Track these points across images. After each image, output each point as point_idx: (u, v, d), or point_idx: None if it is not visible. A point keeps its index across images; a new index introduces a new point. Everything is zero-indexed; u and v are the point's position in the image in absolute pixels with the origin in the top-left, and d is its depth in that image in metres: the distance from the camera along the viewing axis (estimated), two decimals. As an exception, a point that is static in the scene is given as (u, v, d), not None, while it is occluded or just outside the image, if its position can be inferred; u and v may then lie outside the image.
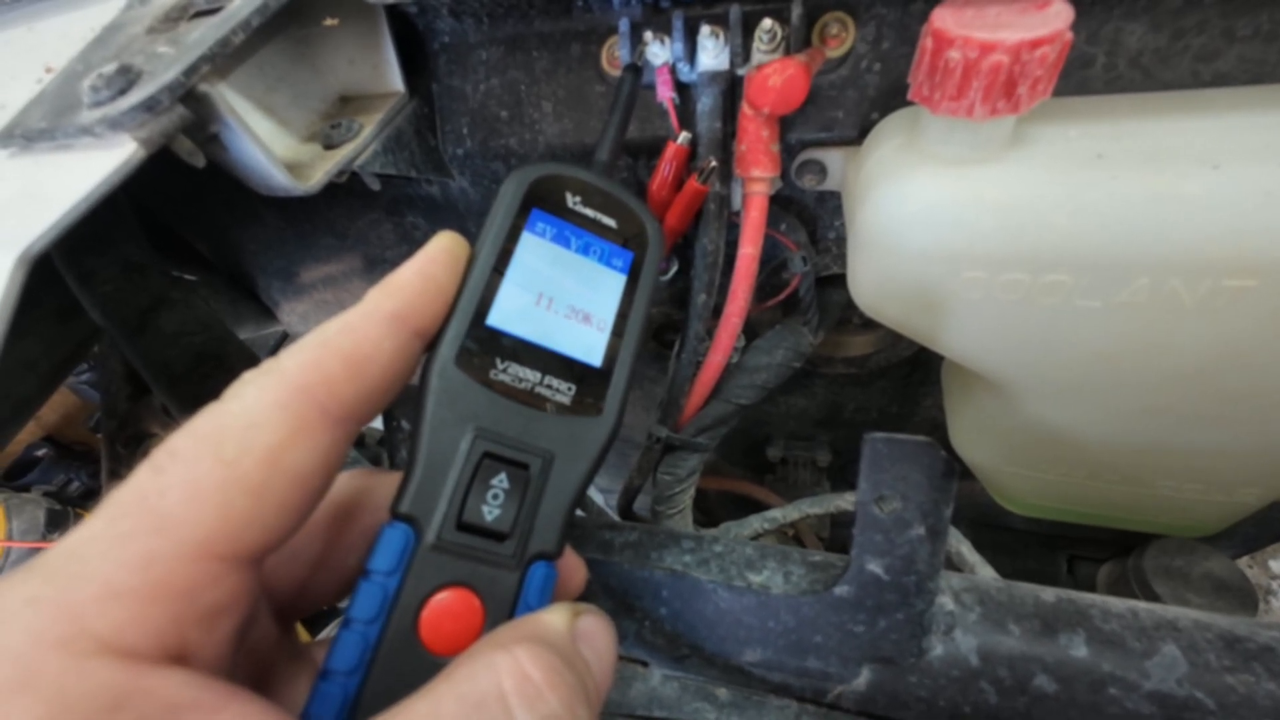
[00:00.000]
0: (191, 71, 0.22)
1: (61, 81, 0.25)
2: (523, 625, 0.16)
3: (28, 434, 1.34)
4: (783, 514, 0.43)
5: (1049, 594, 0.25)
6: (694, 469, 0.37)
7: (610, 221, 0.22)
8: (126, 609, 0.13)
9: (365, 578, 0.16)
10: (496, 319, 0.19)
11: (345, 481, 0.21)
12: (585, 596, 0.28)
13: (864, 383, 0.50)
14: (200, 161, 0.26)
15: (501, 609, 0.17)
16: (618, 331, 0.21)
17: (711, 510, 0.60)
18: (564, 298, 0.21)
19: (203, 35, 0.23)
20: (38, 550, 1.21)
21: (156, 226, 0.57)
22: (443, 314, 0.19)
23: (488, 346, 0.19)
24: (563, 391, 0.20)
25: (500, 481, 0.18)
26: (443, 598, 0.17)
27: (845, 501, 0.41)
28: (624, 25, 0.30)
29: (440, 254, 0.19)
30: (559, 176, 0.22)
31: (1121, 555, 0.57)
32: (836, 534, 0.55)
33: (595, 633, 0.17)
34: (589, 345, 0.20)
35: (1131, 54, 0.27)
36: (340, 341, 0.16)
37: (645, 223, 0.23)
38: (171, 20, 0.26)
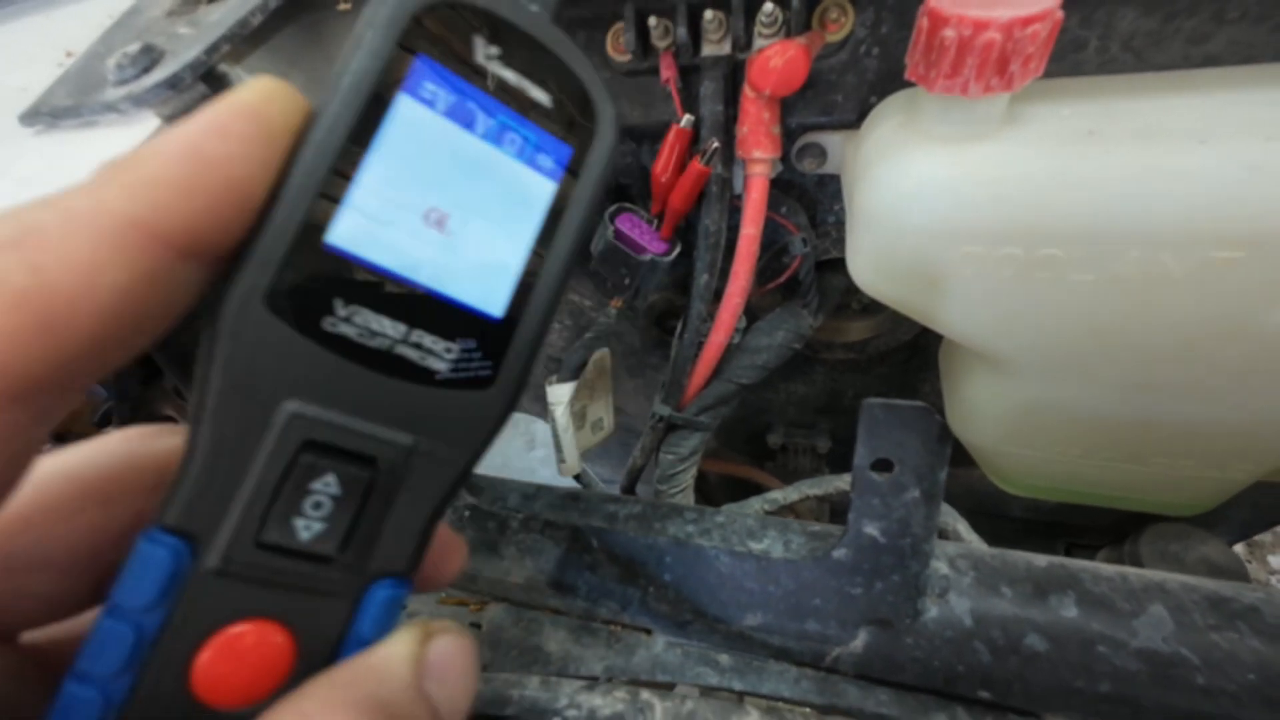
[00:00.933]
0: (212, 50, 0.23)
1: (84, 62, 0.26)
2: (345, 672, 0.12)
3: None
4: (783, 495, 0.44)
5: (1041, 560, 0.25)
6: (696, 448, 0.38)
7: (542, 96, 0.14)
8: None
9: (108, 615, 0.12)
10: (341, 236, 0.12)
11: (111, 449, 0.14)
12: (591, 564, 0.29)
13: (863, 368, 0.51)
14: (218, 140, 0.27)
15: (321, 645, 0.13)
16: (532, 268, 0.14)
17: (712, 494, 0.60)
18: (456, 209, 0.13)
19: (222, 16, 0.24)
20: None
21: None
22: (239, 222, 0.11)
23: (323, 279, 0.12)
24: (437, 353, 0.13)
25: (325, 485, 0.13)
26: (230, 634, 0.12)
27: (844, 482, 0.42)
28: (628, 11, 0.31)
29: (248, 113, 0.11)
30: (467, 5, 0.13)
31: (1118, 542, 0.58)
32: (835, 520, 0.56)
33: (448, 662, 0.13)
34: (487, 285, 0.14)
35: (1124, 37, 0.27)
36: (18, 278, 0.10)
37: (596, 101, 0.14)
38: (190, 3, 0.27)
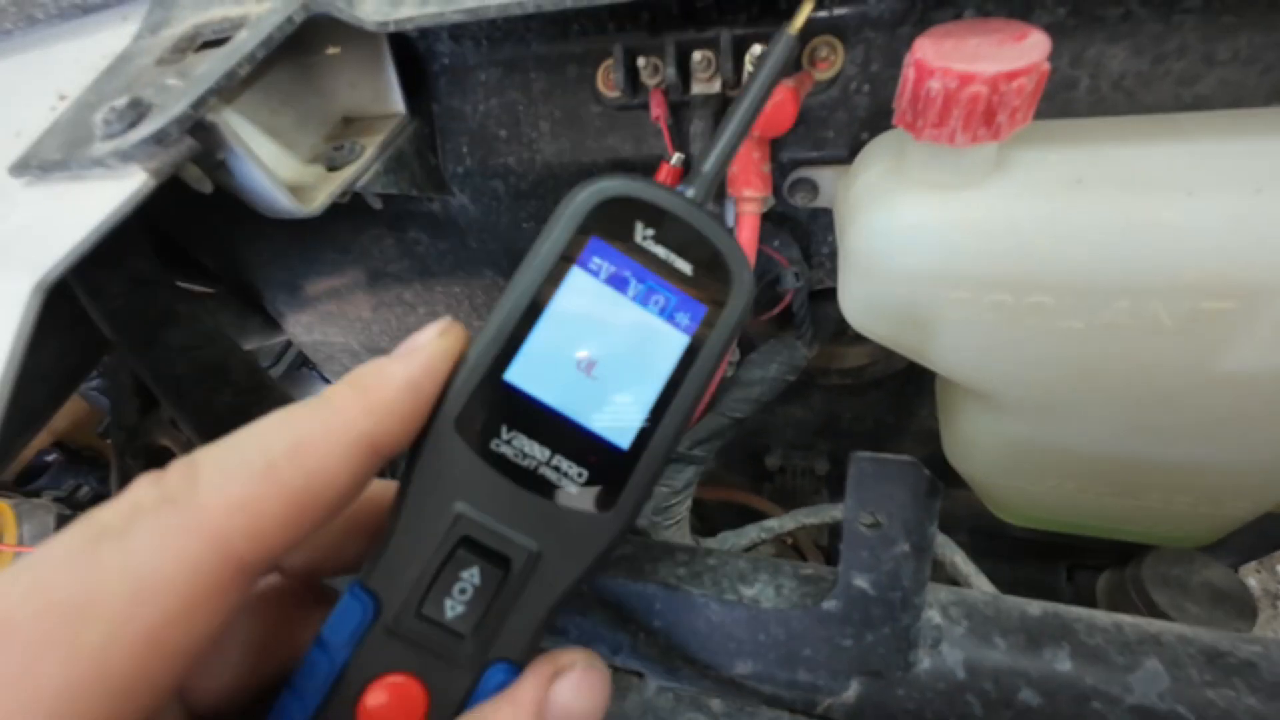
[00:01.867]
0: (199, 104, 0.23)
1: (75, 112, 0.26)
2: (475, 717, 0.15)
3: (38, 439, 1.36)
4: (779, 524, 0.44)
5: (1035, 607, 0.25)
6: (690, 481, 0.38)
7: (685, 266, 0.17)
8: None
9: (317, 644, 0.15)
10: (517, 375, 0.16)
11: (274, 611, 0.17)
12: (582, 609, 0.28)
13: (860, 393, 0.50)
14: (208, 188, 0.27)
15: (448, 706, 0.16)
16: (659, 409, 0.17)
17: (710, 519, 0.60)
18: (606, 359, 0.16)
19: (210, 68, 0.24)
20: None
21: (165, 240, 0.58)
22: (419, 431, 0.15)
23: (497, 408, 0.16)
24: (572, 476, 0.16)
25: (471, 576, 0.16)
26: (389, 682, 0.15)
27: (840, 512, 0.41)
28: (618, 50, 0.31)
29: (440, 361, 0.15)
30: (634, 200, 0.17)
31: (1121, 564, 0.57)
32: (835, 542, 0.55)
33: (575, 702, 0.15)
34: (620, 422, 0.17)
35: (1114, 77, 0.27)
36: (290, 474, 0.13)
37: (732, 271, 0.17)
38: (180, 51, 0.27)
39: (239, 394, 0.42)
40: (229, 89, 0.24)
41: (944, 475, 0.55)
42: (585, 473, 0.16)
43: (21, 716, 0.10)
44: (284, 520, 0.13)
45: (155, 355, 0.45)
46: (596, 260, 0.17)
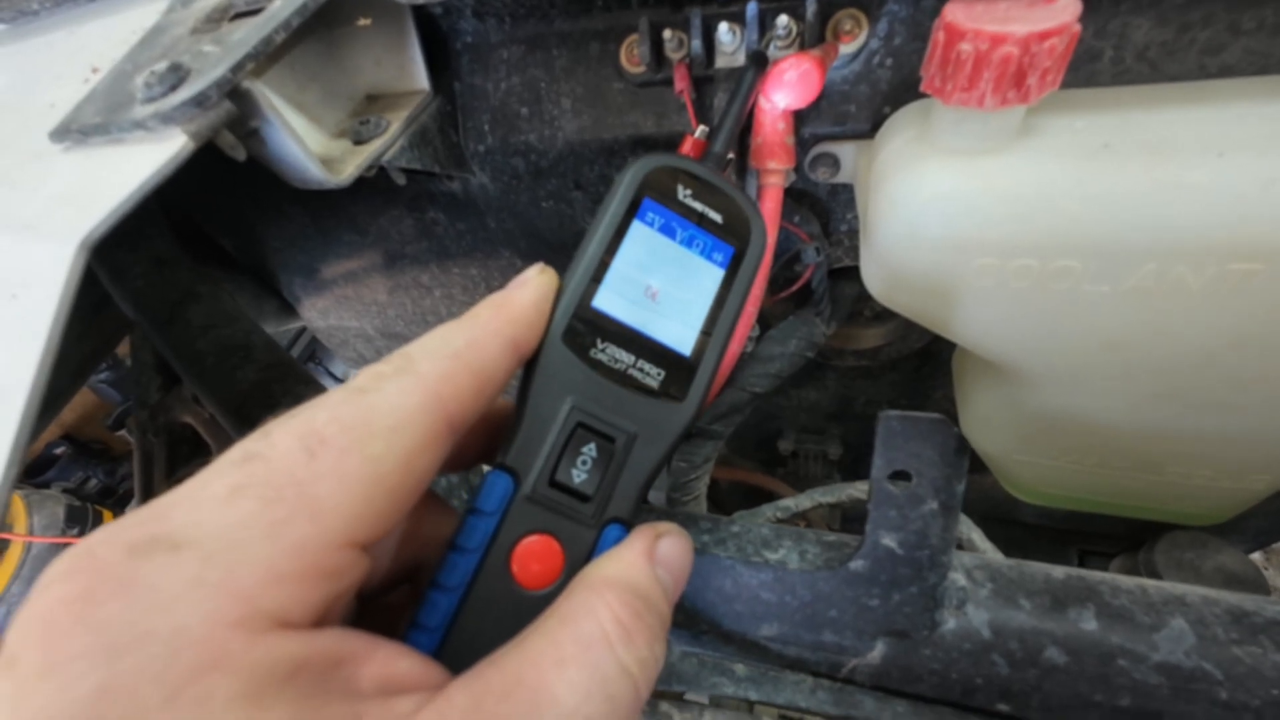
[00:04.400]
0: (238, 68, 0.23)
1: (112, 80, 0.27)
2: (609, 564, 0.18)
3: (48, 432, 1.37)
4: (795, 503, 0.44)
5: (1059, 571, 0.25)
6: (709, 455, 0.38)
7: (717, 216, 0.23)
8: (288, 590, 0.14)
9: (472, 513, 0.19)
10: (601, 302, 0.21)
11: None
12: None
13: (875, 375, 0.51)
14: (241, 155, 0.27)
15: (579, 559, 0.19)
16: (710, 324, 0.22)
17: (723, 502, 0.60)
18: (665, 287, 0.22)
19: (246, 35, 0.24)
20: (60, 546, 1.24)
21: (182, 224, 0.59)
22: (539, 340, 0.20)
23: (591, 327, 0.21)
24: (652, 375, 0.21)
25: (589, 450, 0.20)
26: (531, 540, 0.19)
27: (857, 490, 0.42)
28: (644, 24, 0.31)
29: (548, 289, 0.20)
30: (674, 169, 0.22)
31: (1133, 549, 0.57)
32: (848, 527, 0.55)
33: (672, 555, 0.19)
34: (681, 335, 0.22)
35: (1139, 48, 0.27)
36: (470, 357, 0.18)
37: (750, 219, 0.23)
38: (213, 21, 0.27)
39: (261, 370, 0.42)
40: (264, 55, 0.24)
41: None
42: (662, 372, 0.21)
43: (339, 494, 0.15)
44: (473, 390, 0.17)
45: (177, 333, 0.46)
46: (651, 214, 0.22)
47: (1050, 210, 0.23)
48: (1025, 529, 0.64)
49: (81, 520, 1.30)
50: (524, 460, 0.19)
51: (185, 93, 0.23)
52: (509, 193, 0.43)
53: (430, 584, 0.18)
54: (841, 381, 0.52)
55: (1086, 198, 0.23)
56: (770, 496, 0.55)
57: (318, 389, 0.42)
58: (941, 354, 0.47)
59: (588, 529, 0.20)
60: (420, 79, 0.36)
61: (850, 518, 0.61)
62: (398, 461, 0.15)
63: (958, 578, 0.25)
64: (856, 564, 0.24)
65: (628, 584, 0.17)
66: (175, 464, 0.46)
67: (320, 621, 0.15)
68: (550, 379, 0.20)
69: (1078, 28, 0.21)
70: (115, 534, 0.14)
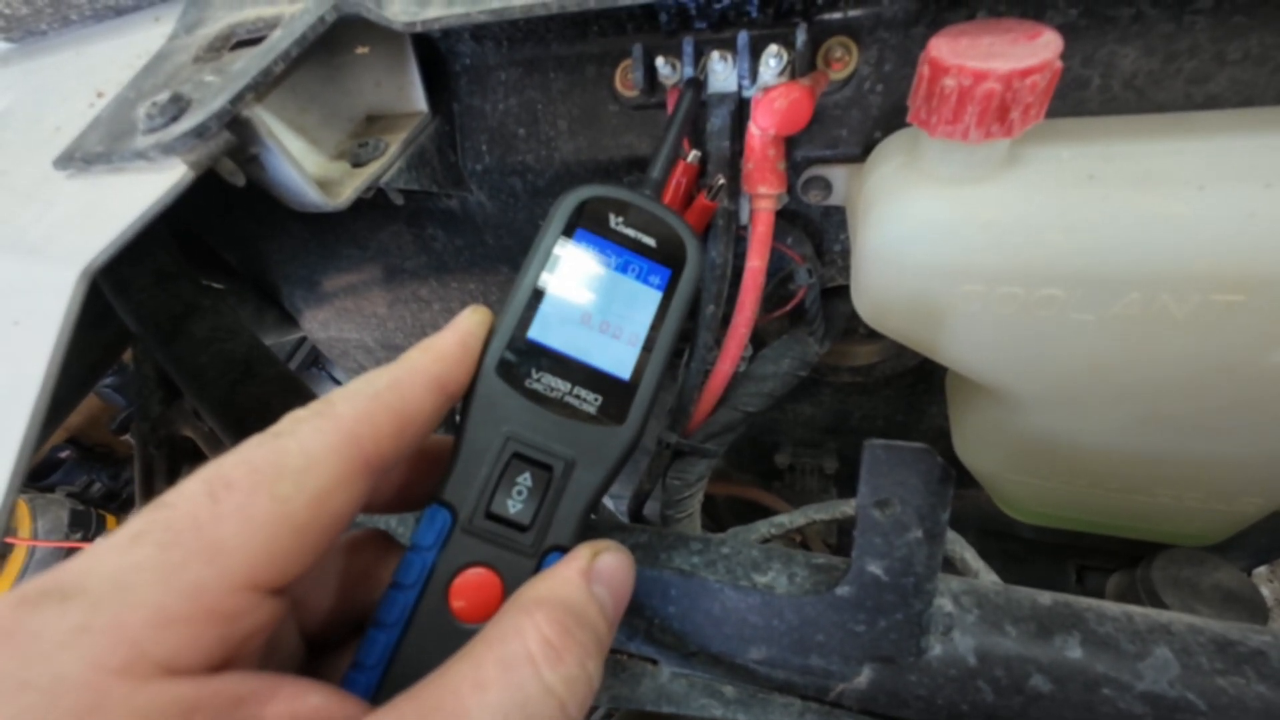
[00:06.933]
0: (237, 100, 0.24)
1: (115, 108, 0.27)
2: (541, 584, 0.18)
3: (52, 435, 1.38)
4: (789, 519, 0.44)
5: (1046, 597, 0.25)
6: (702, 474, 0.38)
7: (650, 240, 0.23)
8: (179, 634, 0.14)
9: (410, 550, 0.19)
10: (536, 332, 0.21)
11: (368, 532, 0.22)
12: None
13: (870, 391, 0.51)
14: (241, 181, 0.28)
15: (518, 587, 0.19)
16: (648, 346, 0.22)
17: (719, 516, 0.60)
18: (600, 313, 0.22)
19: (246, 65, 0.25)
20: (63, 549, 1.24)
21: (186, 235, 0.60)
22: (470, 379, 0.20)
23: (526, 358, 0.21)
24: (589, 401, 0.21)
25: (524, 480, 0.20)
26: (470, 574, 0.19)
27: (851, 507, 0.42)
28: (637, 50, 0.32)
29: (476, 328, 0.21)
30: (605, 198, 0.23)
31: (1131, 565, 0.57)
32: (844, 540, 0.56)
33: (610, 570, 0.19)
34: (620, 359, 0.22)
35: (1125, 76, 0.28)
36: (390, 398, 0.18)
37: (685, 241, 0.24)
38: (215, 50, 0.28)
39: (261, 385, 0.43)
40: (264, 85, 0.25)
41: (956, 472, 0.55)
42: (599, 397, 0.21)
43: (242, 536, 0.15)
44: (392, 429, 0.17)
45: (179, 348, 0.46)
46: (585, 244, 0.23)
47: (1035, 239, 0.24)
48: (1022, 543, 0.64)
49: (85, 524, 1.31)
50: (460, 493, 0.20)
51: (186, 124, 0.23)
52: (506, 211, 0.43)
53: (370, 622, 0.18)
54: (837, 397, 0.53)
55: (1071, 228, 0.23)
56: (767, 512, 0.55)
57: (316, 404, 0.42)
58: (936, 371, 0.47)
59: (526, 559, 0.20)
60: (419, 101, 0.37)
61: (847, 530, 0.61)
62: (307, 501, 0.15)
63: (944, 603, 0.25)
64: (843, 590, 0.24)
65: (558, 601, 0.17)
66: (176, 477, 0.47)
67: (222, 665, 0.14)
68: (485, 411, 0.20)
69: (1059, 64, 0.21)
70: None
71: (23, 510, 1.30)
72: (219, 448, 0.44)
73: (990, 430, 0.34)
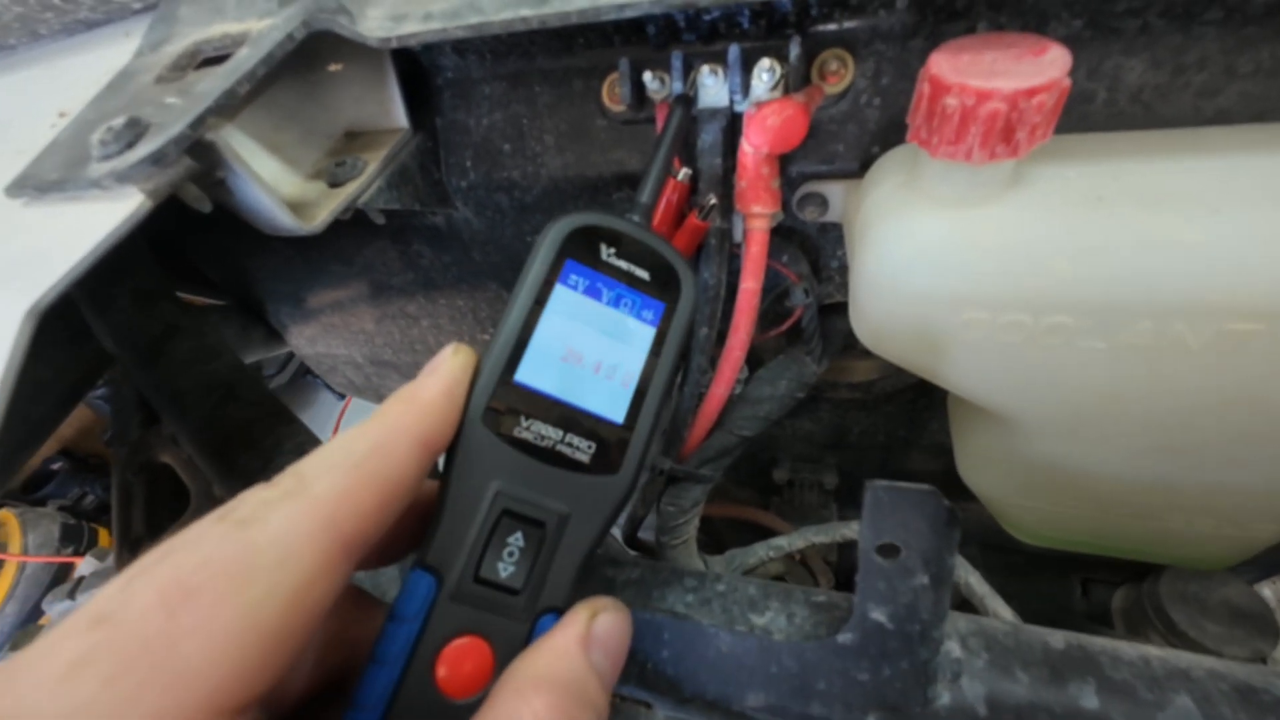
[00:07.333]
0: (198, 124, 0.22)
1: (73, 131, 0.26)
2: (538, 659, 0.17)
3: (44, 447, 1.36)
4: (788, 542, 0.43)
5: (1058, 639, 0.24)
6: (698, 500, 0.37)
7: (643, 273, 0.22)
8: None
9: (391, 619, 0.17)
10: (525, 374, 0.20)
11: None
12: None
13: (870, 407, 0.50)
14: (207, 207, 0.26)
15: (510, 658, 0.18)
16: (642, 387, 0.21)
17: (718, 534, 0.59)
18: (593, 352, 0.21)
19: (209, 87, 0.23)
20: (54, 565, 1.22)
21: (170, 252, 0.58)
22: (455, 430, 0.19)
23: (514, 403, 0.19)
24: (583, 449, 0.20)
25: (516, 540, 0.19)
26: (459, 644, 0.18)
27: (851, 530, 0.40)
28: (624, 65, 0.30)
29: (460, 372, 0.19)
30: (595, 227, 0.22)
31: (1137, 579, 0.56)
32: (846, 555, 0.54)
33: (608, 633, 0.18)
34: (613, 400, 0.20)
35: (1132, 90, 0.27)
36: (375, 466, 0.16)
37: (679, 273, 0.22)
38: (180, 68, 0.27)
39: (243, 410, 0.41)
40: (229, 107, 0.24)
41: (956, 489, 0.54)
42: (593, 444, 0.20)
43: (206, 655, 0.13)
44: (375, 505, 0.16)
45: (158, 370, 0.45)
46: (574, 277, 0.21)
47: (1042, 265, 0.23)
48: (1026, 557, 0.63)
49: (77, 538, 1.29)
50: (445, 556, 0.18)
51: (142, 150, 0.22)
52: (494, 228, 0.42)
53: (349, 704, 0.17)
54: (836, 412, 0.51)
55: (1079, 253, 0.22)
56: (765, 532, 0.54)
57: (300, 430, 0.41)
58: (937, 387, 0.46)
59: (519, 624, 0.18)
60: (400, 117, 0.35)
61: (850, 546, 0.60)
62: (282, 603, 0.14)
63: (952, 647, 0.24)
64: (845, 637, 0.23)
65: (556, 681, 0.16)
66: (155, 505, 0.45)
67: None
68: (471, 465, 0.19)
69: (1068, 82, 0.20)
70: None
71: (13, 524, 1.28)
72: (198, 476, 0.42)
73: (995, 455, 0.33)
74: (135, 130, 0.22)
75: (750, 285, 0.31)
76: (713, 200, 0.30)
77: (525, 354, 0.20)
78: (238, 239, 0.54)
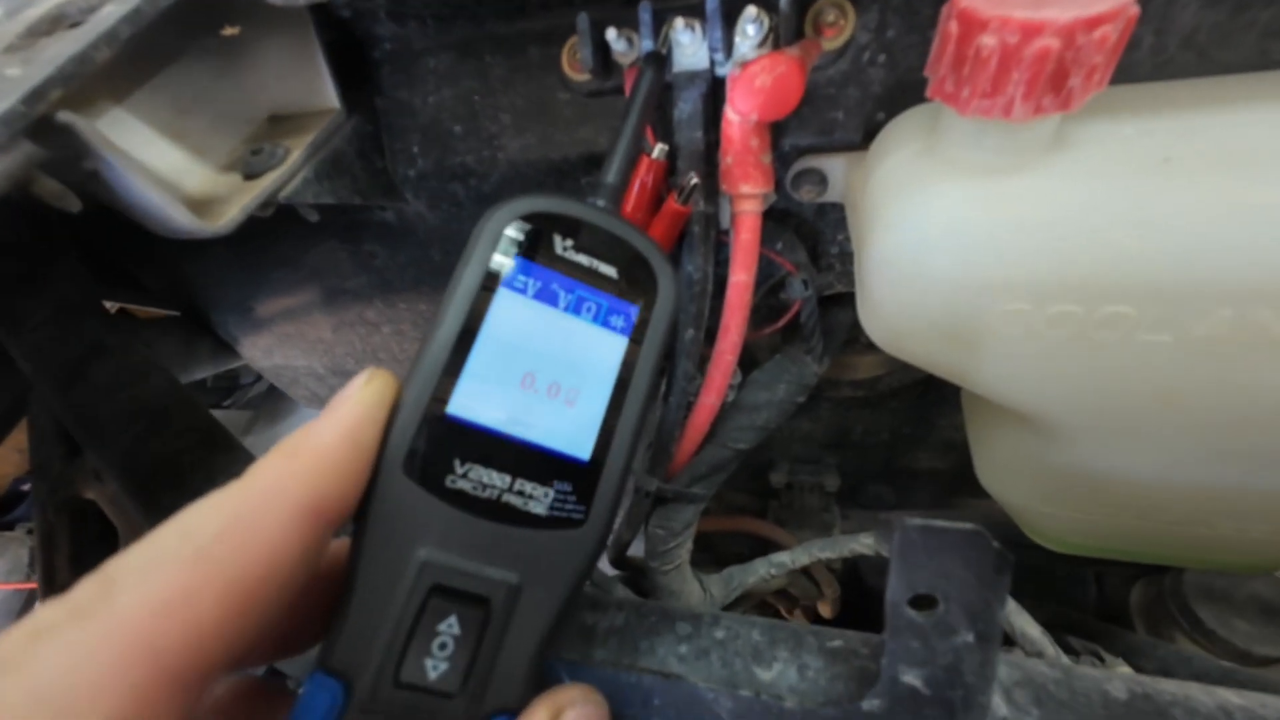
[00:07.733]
0: (35, 98, 0.17)
1: (-102, 116, 0.21)
2: None
3: (14, 467, 1.29)
4: (790, 558, 0.39)
5: (1118, 687, 0.20)
6: (689, 521, 0.33)
7: (609, 269, 0.18)
8: None
9: None
10: (459, 406, 0.15)
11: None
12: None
13: (874, 405, 0.46)
14: (74, 205, 0.21)
15: None
16: (613, 412, 0.17)
17: (715, 547, 0.55)
18: (550, 372, 0.16)
19: (56, 52, 0.19)
20: (24, 591, 1.16)
21: (105, 258, 0.53)
22: (366, 485, 0.14)
23: (446, 444, 0.15)
24: (538, 498, 0.16)
25: (449, 626, 0.15)
26: None
27: (859, 545, 0.37)
28: (583, 22, 0.26)
29: (372, 409, 0.14)
30: (546, 214, 0.17)
31: (1156, 572, 0.53)
32: (852, 577, 0.51)
33: None
34: (575, 433, 0.16)
35: (1185, 32, 0.23)
36: (227, 554, 0.12)
37: (655, 268, 0.18)
38: (35, 35, 0.21)
39: (174, 439, 0.36)
40: (79, 77, 0.19)
41: (967, 484, 0.50)
42: (550, 492, 0.16)
43: None
44: (224, 613, 0.11)
45: (78, 394, 0.40)
46: (521, 278, 0.17)
47: (1097, 243, 0.19)
48: (1040, 551, 0.60)
49: (46, 563, 1.23)
50: (355, 656, 0.14)
51: (-37, 134, 0.17)
52: (451, 221, 0.37)
53: None
54: (837, 411, 0.47)
55: (1143, 227, 0.18)
56: (762, 540, 0.50)
57: (241, 459, 0.36)
58: (947, 383, 0.42)
59: None
60: (329, 96, 0.30)
61: (849, 561, 0.57)
62: None
63: (998, 704, 0.20)
64: (871, 703, 0.19)
65: None
66: (81, 547, 0.40)
67: None
68: (389, 529, 0.14)
69: (1136, 9, 0.16)
70: None
71: (-21, 550, 1.22)
72: (125, 514, 0.37)
73: (1022, 460, 0.29)
74: (-46, 109, 0.18)
75: (741, 278, 0.27)
76: (694, 180, 0.26)
77: (460, 379, 0.16)
78: (168, 241, 0.49)
